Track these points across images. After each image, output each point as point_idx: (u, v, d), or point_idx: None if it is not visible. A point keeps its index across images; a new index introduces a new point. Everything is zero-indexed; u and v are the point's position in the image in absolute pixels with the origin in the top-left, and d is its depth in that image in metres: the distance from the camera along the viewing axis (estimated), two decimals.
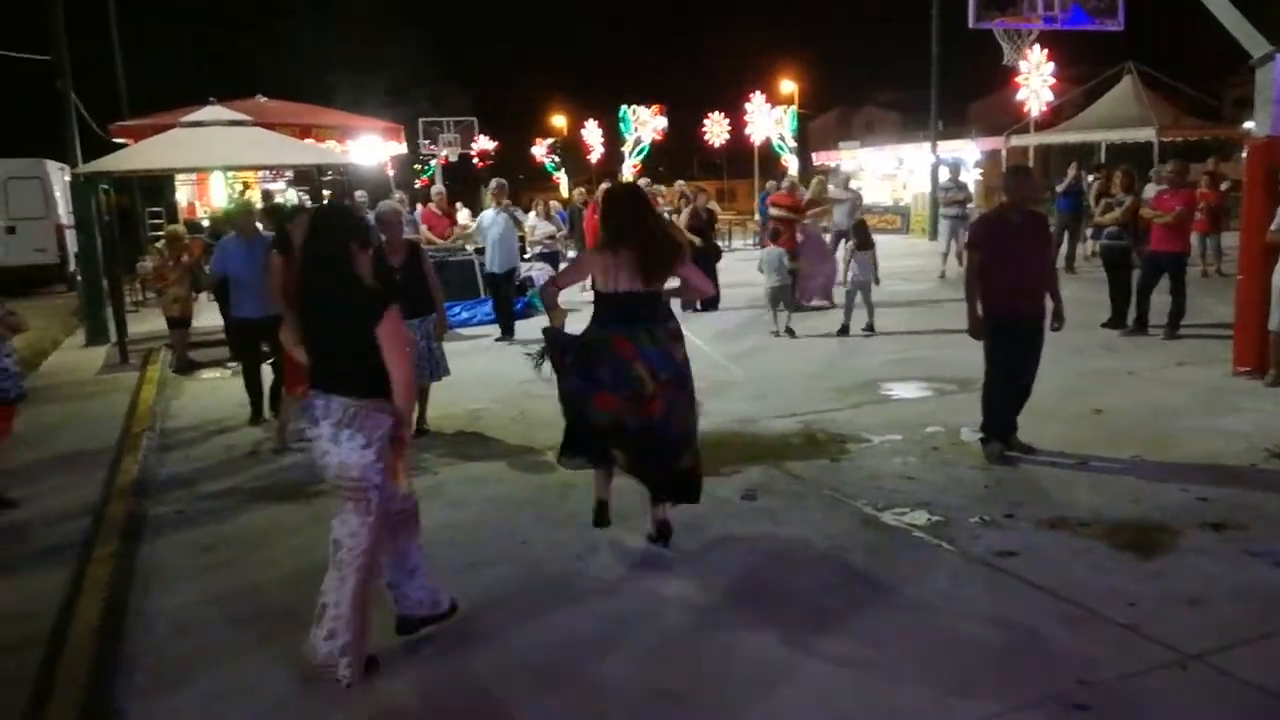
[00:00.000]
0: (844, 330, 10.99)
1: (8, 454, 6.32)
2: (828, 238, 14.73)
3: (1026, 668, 3.71)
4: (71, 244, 17.47)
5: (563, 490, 5.84)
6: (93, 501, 6.15)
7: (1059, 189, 16.61)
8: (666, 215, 18.02)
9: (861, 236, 11.35)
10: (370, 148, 16.11)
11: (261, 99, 15.86)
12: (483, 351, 11.08)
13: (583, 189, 19.70)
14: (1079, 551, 4.77)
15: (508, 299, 11.86)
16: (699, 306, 13.51)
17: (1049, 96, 25.35)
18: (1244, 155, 9.07)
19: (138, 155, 11.82)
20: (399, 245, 7.15)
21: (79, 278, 14.25)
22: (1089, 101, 26.18)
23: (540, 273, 13.16)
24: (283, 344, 7.09)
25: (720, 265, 14.25)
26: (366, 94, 33.07)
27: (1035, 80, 24.82)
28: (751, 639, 4.03)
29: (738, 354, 10.10)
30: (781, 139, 32.38)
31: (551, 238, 14.69)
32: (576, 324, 5.01)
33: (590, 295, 5.05)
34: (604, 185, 18.34)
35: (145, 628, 4.39)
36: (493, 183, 12.64)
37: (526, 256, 13.41)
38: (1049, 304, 6.33)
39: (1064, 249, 15.50)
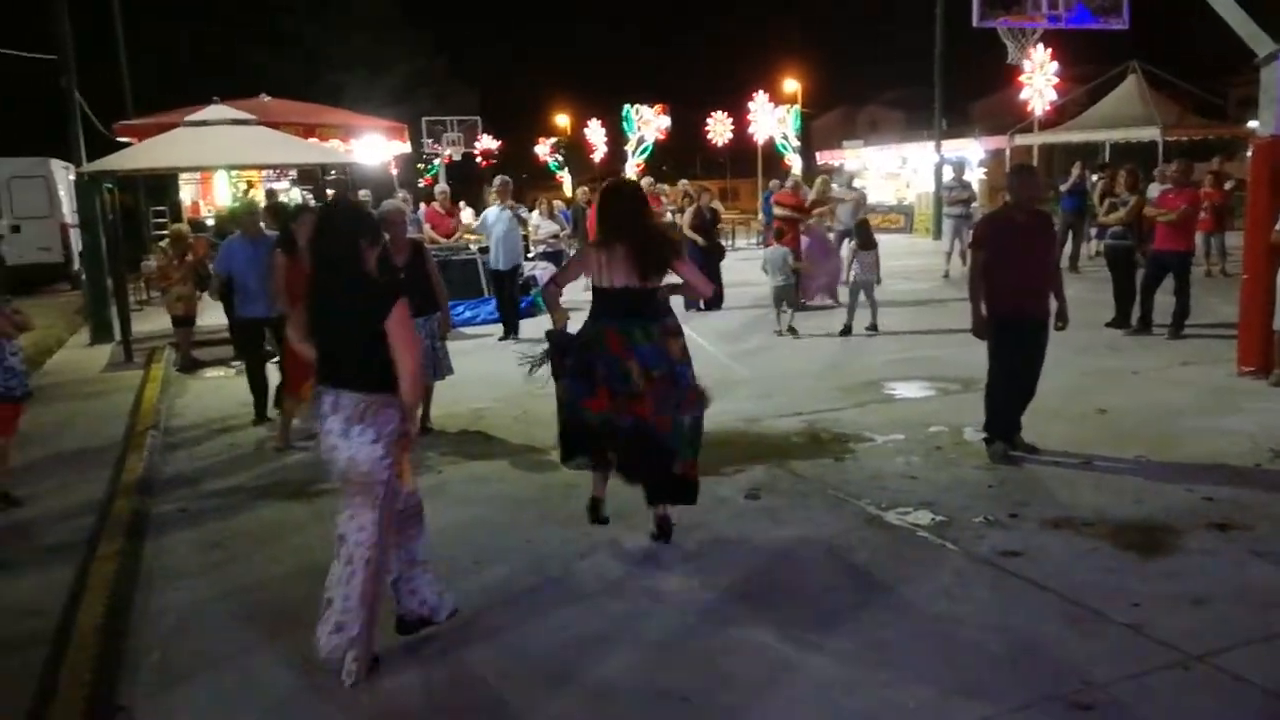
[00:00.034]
0: (847, 330, 10.99)
1: (13, 452, 6.33)
2: (832, 236, 14.72)
3: (1030, 668, 3.71)
4: (76, 243, 17.48)
5: (566, 489, 5.84)
6: (97, 499, 6.17)
7: (1063, 188, 16.60)
8: (670, 215, 18.09)
9: (864, 236, 11.34)
10: (374, 147, 16.10)
11: (265, 98, 15.84)
12: (486, 351, 11.08)
13: (586, 188, 19.70)
14: (1083, 551, 4.77)
15: (512, 297, 11.87)
16: (702, 306, 13.52)
17: (1053, 95, 25.34)
18: (1249, 154, 9.05)
19: (142, 154, 11.84)
20: (403, 244, 7.15)
21: (83, 276, 14.30)
22: (1093, 100, 26.13)
23: (543, 272, 13.16)
24: (288, 343, 7.15)
25: (724, 264, 14.24)
26: (370, 93, 33.10)
27: (1039, 79, 24.82)
28: (755, 638, 4.03)
29: (742, 353, 10.10)
30: (785, 138, 32.37)
31: (555, 237, 14.71)
32: (579, 323, 5.02)
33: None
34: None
35: (150, 625, 4.40)
36: (496, 180, 12.65)
37: (530, 256, 13.42)
38: (1053, 304, 6.32)
39: (1068, 248, 15.48)
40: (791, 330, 11.06)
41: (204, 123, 11.53)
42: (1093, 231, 16.01)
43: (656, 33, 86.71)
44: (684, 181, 21.20)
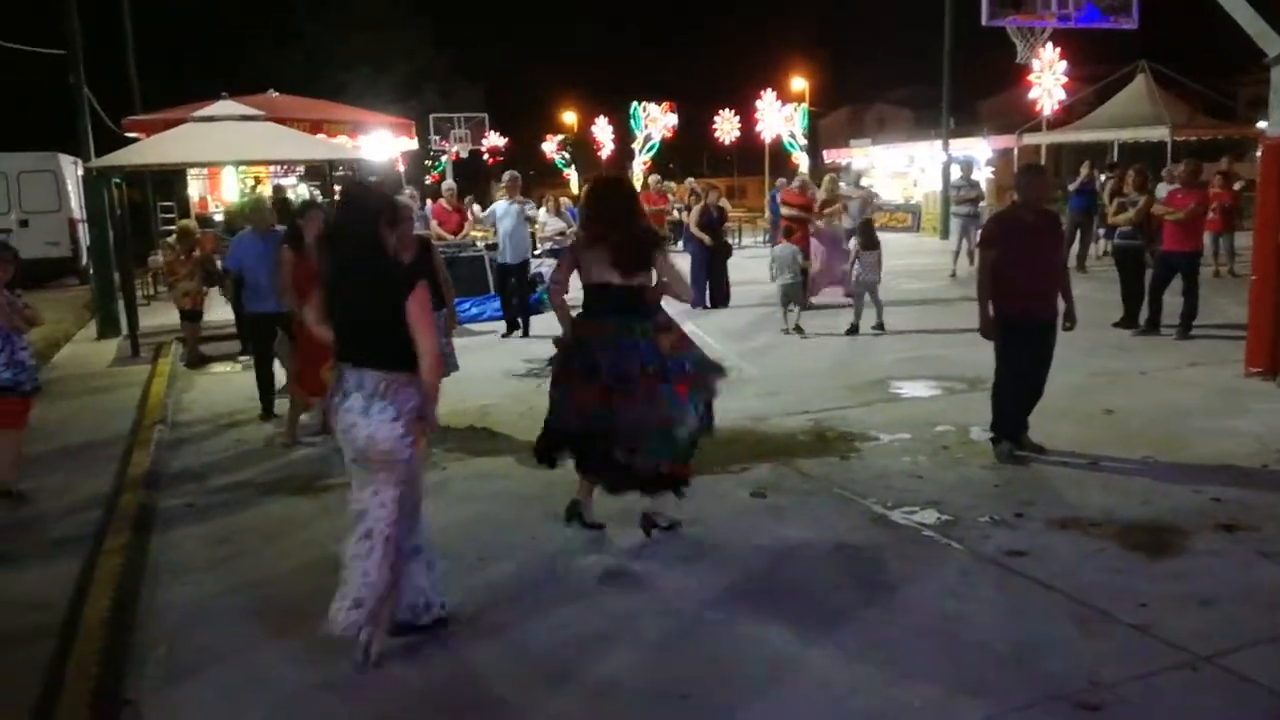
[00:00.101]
0: (853, 329, 10.97)
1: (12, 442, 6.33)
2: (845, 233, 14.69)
3: (1036, 667, 3.70)
4: (84, 237, 17.54)
5: (571, 487, 5.82)
6: (104, 494, 6.19)
7: (1071, 188, 16.55)
8: (677, 212, 18.09)
9: (867, 236, 11.31)
10: (381, 143, 16.14)
11: (273, 94, 15.89)
12: (492, 347, 11.09)
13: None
14: (1090, 552, 4.76)
15: (520, 293, 11.84)
16: (709, 304, 13.52)
17: (1061, 95, 25.19)
18: (1258, 155, 9.01)
19: (150, 150, 11.86)
20: (410, 241, 7.15)
21: (91, 271, 14.33)
22: (1102, 100, 26.04)
23: (550, 269, 13.16)
24: (298, 339, 7.17)
25: (730, 262, 14.23)
26: (374, 91, 33.10)
27: (1048, 78, 24.67)
28: (760, 636, 4.03)
29: (748, 351, 10.10)
30: (792, 136, 32.25)
31: (562, 234, 14.66)
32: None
33: None
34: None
35: (157, 619, 4.41)
36: (506, 176, 12.65)
37: (536, 253, 13.42)
38: (1061, 304, 6.31)
39: (1075, 248, 15.44)
40: (798, 329, 11.04)
41: (212, 118, 11.56)
42: (1101, 231, 15.98)
43: (664, 31, 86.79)
44: (691, 179, 21.24)
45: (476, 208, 13.98)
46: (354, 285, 3.85)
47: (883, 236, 11.73)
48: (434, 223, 13.97)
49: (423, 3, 43.57)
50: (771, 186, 24.65)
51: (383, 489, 3.80)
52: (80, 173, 14.30)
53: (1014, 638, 3.95)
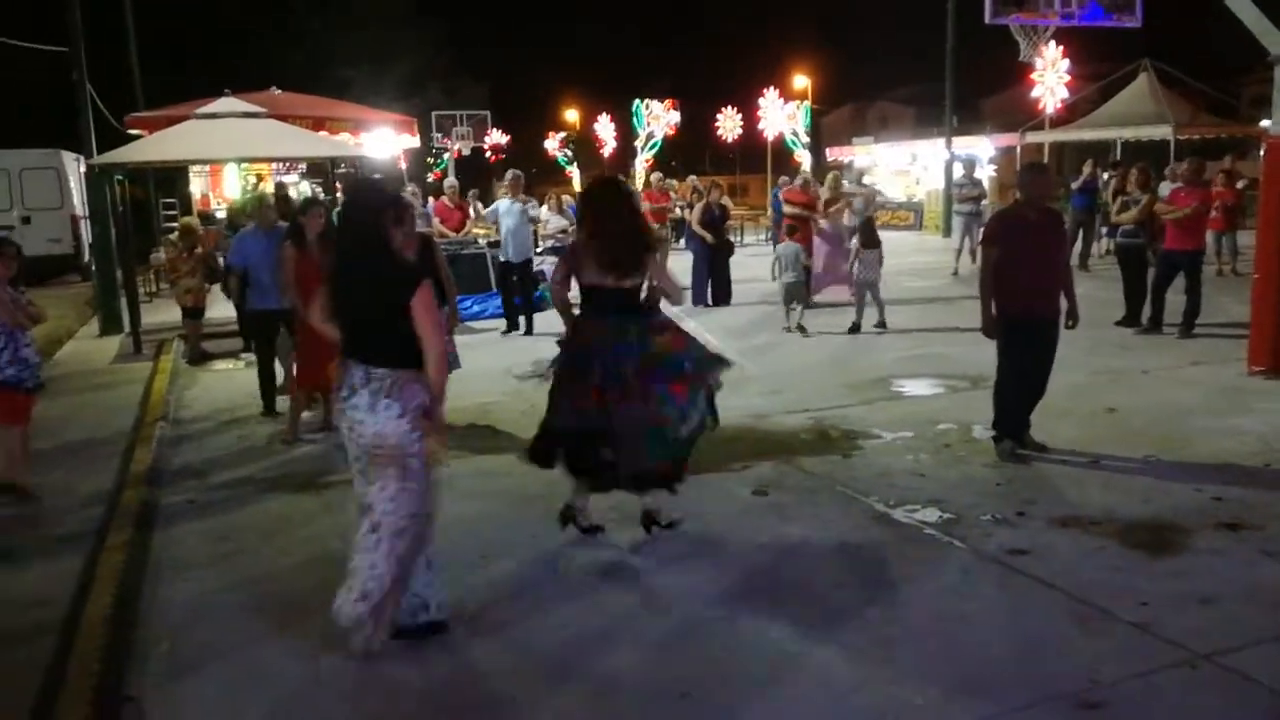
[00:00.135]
0: (855, 328, 10.96)
1: (12, 440, 6.32)
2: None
3: (1037, 666, 3.70)
4: (86, 234, 17.56)
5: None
6: (106, 490, 6.20)
7: (1074, 186, 16.54)
8: (679, 210, 18.09)
9: (867, 235, 11.30)
10: (383, 140, 16.14)
11: (275, 91, 15.89)
12: (493, 345, 11.09)
13: None
14: (1091, 550, 4.75)
15: (522, 290, 11.82)
16: (711, 301, 13.52)
17: (1064, 93, 25.18)
18: (1261, 153, 9.00)
19: (152, 147, 11.88)
20: (412, 239, 7.14)
21: (93, 268, 14.35)
22: (1105, 98, 26.02)
23: (552, 267, 13.16)
24: (301, 335, 7.18)
25: (733, 260, 14.22)
26: (377, 87, 33.09)
27: (1051, 77, 24.66)
28: (761, 634, 4.03)
29: (750, 349, 10.09)
30: (795, 134, 32.24)
31: (564, 232, 14.68)
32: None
33: None
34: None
35: (159, 616, 4.42)
36: (508, 175, 12.65)
37: (539, 250, 13.42)
38: (1063, 302, 6.30)
39: (1078, 247, 15.43)
40: (801, 329, 11.01)
41: (214, 115, 11.56)
42: (1104, 230, 15.96)
43: (666, 28, 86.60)
44: (693, 177, 21.21)
45: (479, 204, 13.97)
46: (358, 282, 3.86)
47: (885, 235, 11.73)
48: (436, 220, 13.96)
49: (426, 0, 43.54)
50: (774, 185, 24.66)
51: (388, 484, 3.80)
52: (83, 169, 14.31)
53: (1015, 636, 3.95)
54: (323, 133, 14.16)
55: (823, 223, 12.79)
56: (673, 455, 4.89)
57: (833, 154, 33.54)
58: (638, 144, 32.55)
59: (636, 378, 4.74)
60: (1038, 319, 6.16)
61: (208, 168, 18.06)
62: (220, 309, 11.46)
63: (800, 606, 4.27)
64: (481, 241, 14.03)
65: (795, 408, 7.64)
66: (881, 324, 11.01)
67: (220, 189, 19.59)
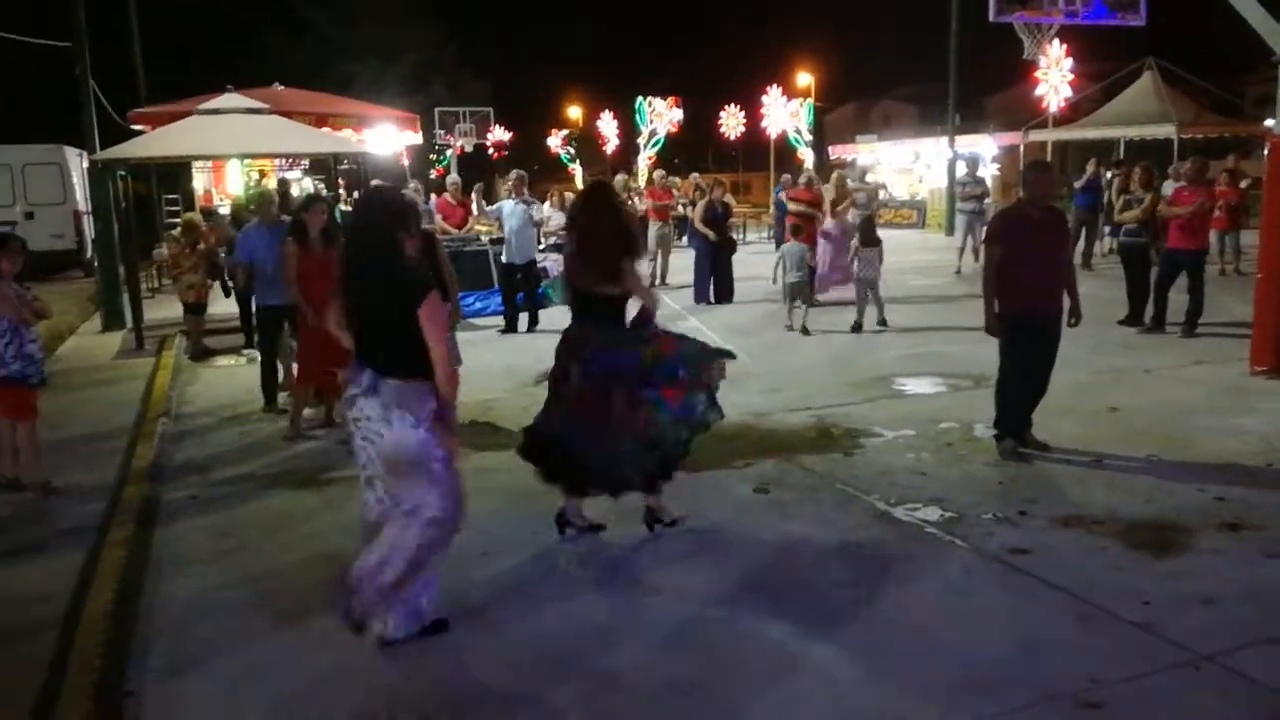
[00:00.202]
0: (857, 327, 10.95)
1: (22, 437, 6.33)
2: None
3: (1038, 665, 3.69)
4: (89, 230, 17.56)
5: None
6: (108, 486, 6.21)
7: (1077, 185, 16.52)
8: (682, 208, 18.07)
9: (867, 233, 11.28)
10: (386, 137, 16.11)
11: (278, 87, 15.87)
12: (495, 342, 11.10)
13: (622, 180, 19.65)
14: (1093, 550, 4.75)
15: (525, 287, 11.80)
16: (713, 299, 13.51)
17: (1068, 92, 25.19)
18: (1265, 153, 8.99)
19: (155, 142, 11.87)
20: (414, 236, 7.15)
21: (96, 264, 14.35)
22: (1108, 97, 25.98)
23: (555, 264, 13.15)
24: (303, 332, 7.19)
25: (735, 258, 14.21)
26: (381, 83, 33.10)
27: (1055, 75, 24.67)
28: (762, 631, 4.03)
29: (752, 347, 10.06)
30: (798, 132, 32.24)
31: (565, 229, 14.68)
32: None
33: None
34: (619, 176, 18.40)
35: (160, 611, 4.42)
36: (512, 174, 12.63)
37: (542, 247, 13.41)
38: (1066, 301, 6.29)
39: (1081, 245, 15.41)
40: (804, 329, 10.96)
41: (217, 111, 11.55)
42: (1106, 229, 15.93)
43: (669, 25, 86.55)
44: (696, 175, 21.17)
45: (483, 200, 13.96)
46: (368, 286, 3.86)
47: (888, 233, 11.73)
48: (438, 217, 13.96)
49: None
50: (776, 182, 24.64)
51: (415, 490, 3.82)
52: (85, 165, 14.31)
53: (1016, 635, 3.94)
54: (325, 129, 14.14)
55: (828, 224, 12.73)
56: (660, 459, 4.87)
57: (836, 152, 33.50)
58: (640, 141, 32.55)
59: (620, 385, 4.73)
60: (1040, 317, 6.15)
61: (210, 163, 18.03)
62: (222, 305, 11.48)
63: (801, 605, 4.27)
64: (484, 238, 14.02)
65: (797, 405, 7.63)
66: (882, 322, 10.99)
67: (223, 185, 19.59)
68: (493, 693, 3.69)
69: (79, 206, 19.22)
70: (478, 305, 12.78)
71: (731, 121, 39.05)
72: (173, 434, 7.49)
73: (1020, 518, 5.18)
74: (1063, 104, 25.79)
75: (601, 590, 4.51)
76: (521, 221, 11.67)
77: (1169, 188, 12.31)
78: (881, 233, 12.00)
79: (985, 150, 26.02)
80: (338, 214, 10.33)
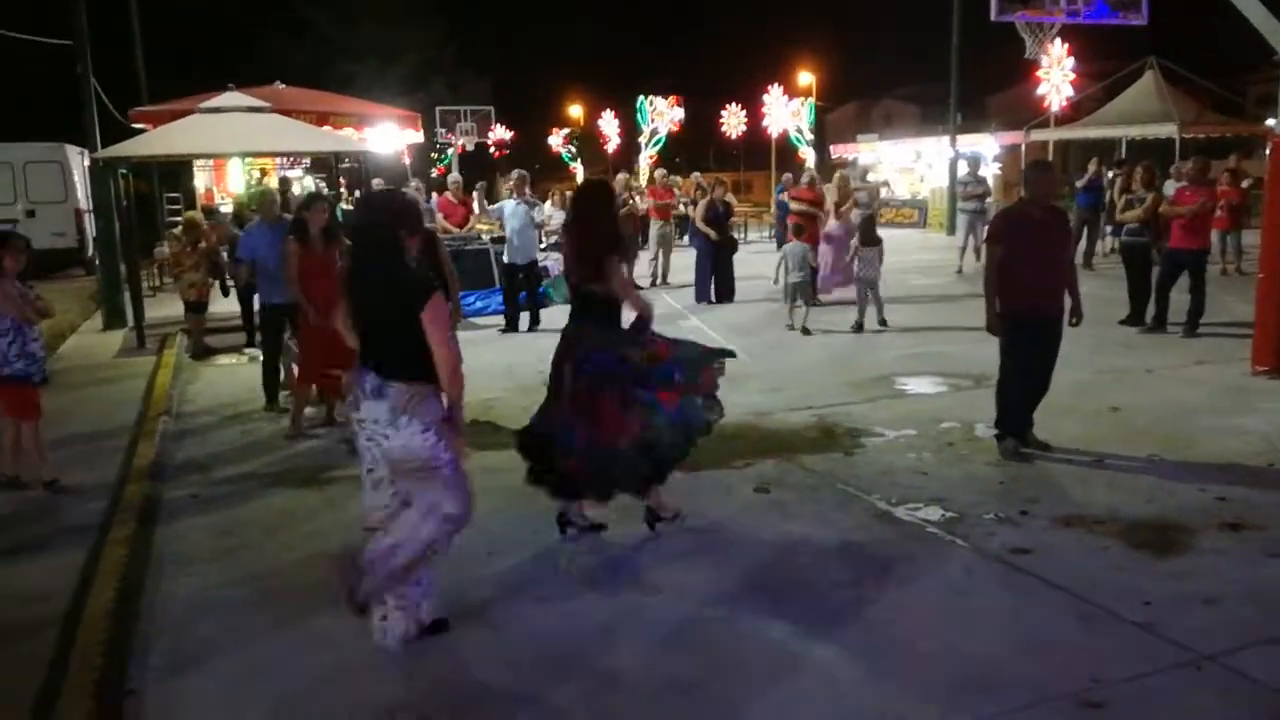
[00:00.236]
0: (858, 326, 10.94)
1: (27, 436, 6.32)
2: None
3: (1039, 665, 3.69)
4: (90, 228, 17.57)
5: None
6: (109, 484, 6.21)
7: (1079, 184, 16.51)
8: (683, 207, 18.06)
9: (867, 232, 11.26)
10: (387, 136, 16.11)
11: (280, 85, 15.88)
12: (497, 341, 11.10)
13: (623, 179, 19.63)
14: (1094, 550, 4.75)
15: (528, 286, 11.80)
16: (714, 298, 13.50)
17: (1069, 91, 25.16)
18: (1267, 152, 8.98)
19: (156, 141, 11.87)
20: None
21: (97, 262, 14.35)
22: (1110, 96, 25.96)
23: (556, 263, 13.15)
24: (304, 331, 7.20)
25: (736, 258, 14.20)
26: (382, 82, 33.09)
27: (1056, 74, 24.64)
28: (763, 631, 4.03)
29: (753, 347, 10.07)
30: (799, 131, 32.23)
31: None
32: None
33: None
34: (620, 175, 18.40)
35: (161, 610, 4.42)
36: (514, 174, 12.62)
37: (543, 246, 13.42)
38: (1068, 300, 6.29)
39: (1082, 245, 15.40)
40: (804, 329, 10.94)
41: (218, 110, 11.56)
42: (1108, 229, 15.94)
43: (670, 24, 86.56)
44: (697, 174, 21.15)
45: (485, 199, 13.96)
46: (372, 287, 3.86)
47: (889, 232, 11.72)
48: (439, 216, 13.95)
49: None
50: (777, 182, 24.62)
51: (428, 494, 3.83)
52: (87, 163, 14.32)
53: (1017, 635, 3.94)
54: (326, 128, 14.14)
55: (831, 225, 12.70)
56: (655, 463, 4.84)
57: (837, 151, 33.51)
58: (642, 140, 32.53)
59: (613, 386, 4.73)
60: (1042, 317, 6.15)
61: (212, 162, 18.06)
62: (224, 304, 11.48)
63: (801, 604, 4.27)
64: (485, 237, 14.02)
65: (797, 405, 7.63)
66: (882, 322, 10.98)
67: (224, 183, 19.60)
68: (493, 692, 3.69)
69: (80, 205, 19.22)
70: (479, 304, 12.77)
71: (733, 121, 39.03)
72: (174, 432, 7.49)
73: (1021, 517, 5.18)
74: (1064, 103, 25.76)
75: (602, 590, 4.51)
76: (523, 221, 11.66)
77: (1171, 187, 12.30)
78: (882, 232, 11.99)
79: (987, 149, 26.01)
80: (339, 213, 10.34)
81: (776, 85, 33.69)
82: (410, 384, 3.76)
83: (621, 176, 18.13)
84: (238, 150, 13.51)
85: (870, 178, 20.34)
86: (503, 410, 7.72)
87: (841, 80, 54.77)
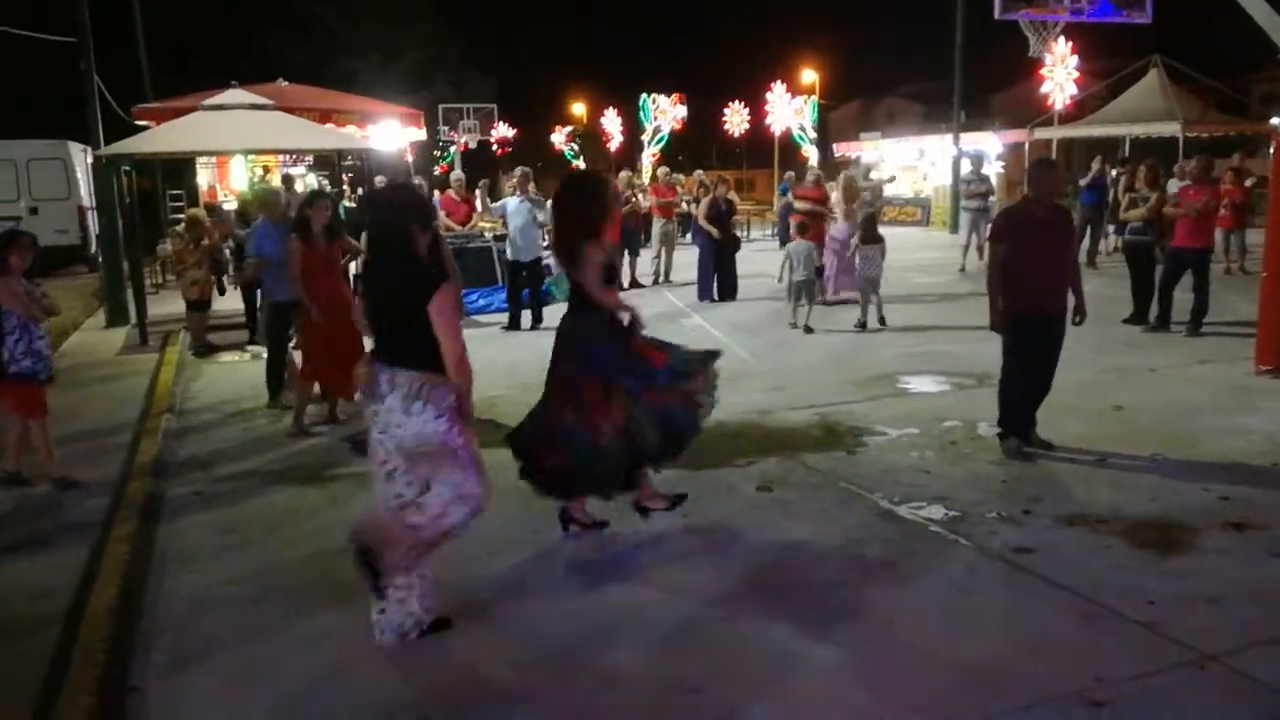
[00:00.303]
0: (861, 325, 10.92)
1: (35, 434, 6.32)
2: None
3: (1043, 664, 3.69)
4: (93, 225, 17.57)
5: None
6: (112, 481, 6.21)
7: (1082, 183, 16.49)
8: (685, 205, 18.05)
9: (869, 230, 11.24)
10: (390, 133, 16.10)
11: (282, 83, 15.86)
12: (499, 339, 11.09)
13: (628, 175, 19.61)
14: (1097, 549, 4.74)
15: (531, 284, 11.79)
16: (716, 296, 13.50)
17: (1073, 89, 25.10)
18: (1270, 151, 8.96)
19: (160, 138, 11.87)
20: None
21: (100, 259, 14.36)
22: (1114, 95, 25.93)
23: (557, 261, 13.12)
24: (307, 328, 7.20)
25: (739, 256, 14.19)
26: (385, 79, 33.08)
27: (1060, 73, 24.57)
28: (765, 630, 4.02)
29: (755, 345, 10.07)
30: (802, 129, 32.18)
31: None
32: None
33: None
34: (623, 173, 18.39)
35: (164, 607, 4.43)
36: (517, 171, 12.61)
37: (546, 244, 13.40)
38: (1071, 299, 6.28)
39: (1086, 243, 15.38)
40: (807, 328, 10.92)
41: (221, 107, 11.56)
42: (1111, 227, 15.93)
43: (673, 22, 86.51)
44: (699, 172, 21.14)
45: (487, 197, 13.95)
46: (382, 283, 3.93)
47: (892, 230, 11.72)
48: (442, 213, 13.94)
49: None
50: (780, 180, 24.59)
51: (451, 476, 3.85)
52: (90, 160, 14.31)
53: (1020, 634, 3.94)
54: (329, 125, 14.14)
55: (835, 229, 12.65)
56: (634, 455, 4.83)
57: (840, 149, 33.44)
58: (644, 138, 32.50)
59: (597, 374, 4.74)
60: (1045, 316, 6.14)
61: (215, 159, 18.07)
62: (226, 301, 11.48)
63: (804, 603, 4.26)
64: (488, 235, 14.01)
65: (800, 404, 7.62)
66: (881, 320, 10.96)
67: (227, 180, 19.60)
68: (493, 692, 3.68)
69: (83, 202, 19.23)
70: (481, 302, 12.77)
71: (735, 119, 38.98)
72: (176, 430, 7.49)
73: (1024, 516, 5.17)
74: (1068, 101, 25.69)
75: (603, 589, 4.50)
76: (526, 219, 11.65)
77: (1174, 186, 12.28)
78: (885, 230, 11.97)
79: (990, 148, 25.96)
80: (341, 210, 10.33)
81: (779, 83, 33.63)
82: (421, 372, 3.80)
83: (624, 174, 18.11)
84: (241, 147, 13.50)
85: (874, 176, 20.25)
86: (505, 409, 7.71)
87: (844, 78, 54.76)
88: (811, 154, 30.78)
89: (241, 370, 9.64)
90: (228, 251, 11.30)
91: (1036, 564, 4.57)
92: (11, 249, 5.92)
